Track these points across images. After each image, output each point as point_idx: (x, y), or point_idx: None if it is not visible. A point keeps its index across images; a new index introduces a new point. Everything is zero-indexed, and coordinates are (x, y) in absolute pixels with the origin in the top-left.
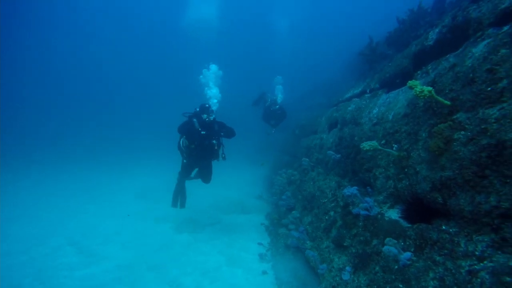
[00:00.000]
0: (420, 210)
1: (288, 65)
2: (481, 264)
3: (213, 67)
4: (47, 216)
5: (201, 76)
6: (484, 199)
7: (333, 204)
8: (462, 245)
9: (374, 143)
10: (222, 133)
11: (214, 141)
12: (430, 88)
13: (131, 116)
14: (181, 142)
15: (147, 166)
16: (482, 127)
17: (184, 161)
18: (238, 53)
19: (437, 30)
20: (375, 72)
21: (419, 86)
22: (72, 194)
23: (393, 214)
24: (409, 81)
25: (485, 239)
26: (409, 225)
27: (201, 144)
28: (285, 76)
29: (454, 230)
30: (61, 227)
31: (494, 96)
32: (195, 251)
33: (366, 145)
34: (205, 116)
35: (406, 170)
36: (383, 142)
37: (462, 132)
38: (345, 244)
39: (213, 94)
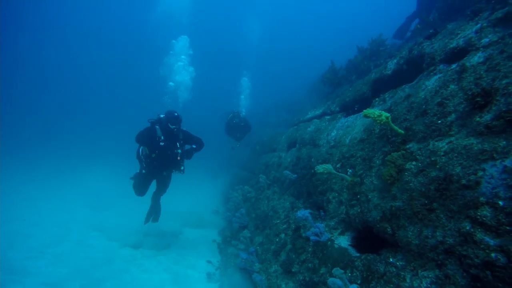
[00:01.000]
0: (369, 239)
1: (256, 74)
2: None
3: (183, 39)
4: None
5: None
6: (430, 233)
7: (284, 226)
8: (408, 280)
9: (328, 166)
10: (194, 145)
11: (179, 150)
12: (387, 114)
13: (97, 117)
14: (140, 150)
15: (103, 170)
16: (432, 159)
17: (143, 171)
18: (207, 53)
19: (395, 61)
20: (337, 95)
21: (376, 111)
22: (5, 196)
23: (343, 241)
24: (364, 110)
25: (430, 275)
26: (358, 255)
27: (162, 154)
28: (253, 82)
29: (401, 263)
30: None
31: (444, 129)
32: (138, 267)
33: (320, 168)
34: (169, 124)
35: (358, 196)
36: (338, 165)
37: (414, 163)
38: (293, 270)
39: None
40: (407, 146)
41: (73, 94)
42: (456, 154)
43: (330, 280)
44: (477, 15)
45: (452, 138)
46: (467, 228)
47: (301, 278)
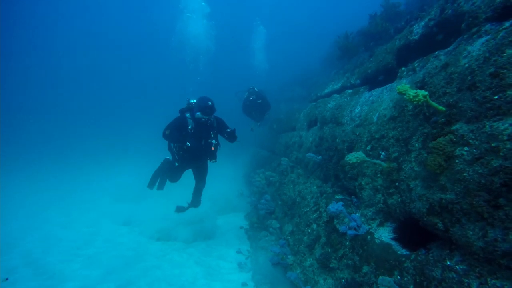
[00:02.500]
0: (414, 231)
1: (266, 51)
2: None
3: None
4: (2, 228)
5: None
6: (501, 235)
7: (315, 215)
8: None
9: (360, 154)
10: (225, 135)
11: (214, 141)
12: (425, 93)
13: (116, 114)
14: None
15: (128, 164)
16: (493, 145)
17: (176, 164)
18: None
19: (422, 23)
20: (355, 66)
21: (411, 90)
22: (35, 200)
23: (384, 234)
24: (398, 86)
25: (506, 285)
26: (405, 253)
27: (196, 145)
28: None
29: (461, 267)
30: (20, 241)
31: (504, 107)
32: (170, 262)
33: (352, 158)
34: (199, 114)
35: (397, 184)
36: (368, 147)
37: (466, 148)
38: (331, 265)
39: None
40: (454, 128)
41: (92, 87)
42: None
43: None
44: None
45: None
46: None
47: (341, 275)
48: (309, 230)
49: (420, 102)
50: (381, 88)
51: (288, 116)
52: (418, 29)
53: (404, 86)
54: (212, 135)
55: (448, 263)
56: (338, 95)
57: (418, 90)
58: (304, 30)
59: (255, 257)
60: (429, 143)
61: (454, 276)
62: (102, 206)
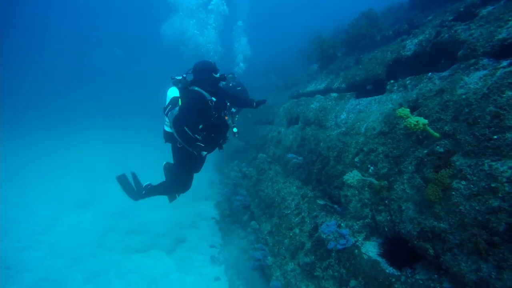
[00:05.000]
0: (401, 250)
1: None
2: None
3: None
4: None
5: None
6: (495, 273)
7: (297, 220)
8: None
9: (357, 175)
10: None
11: (233, 109)
12: (425, 121)
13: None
14: (186, 127)
15: (97, 138)
16: (492, 185)
17: (203, 153)
18: None
19: (416, 41)
20: (340, 68)
21: (412, 118)
22: None
23: (371, 249)
24: (399, 110)
25: None
26: (395, 273)
27: (216, 124)
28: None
29: None
30: None
31: (504, 148)
32: (141, 253)
33: (353, 181)
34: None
35: (386, 202)
36: (356, 159)
37: (463, 182)
38: (315, 273)
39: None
40: (451, 159)
41: (68, 60)
42: None
43: None
44: None
45: None
46: None
47: (325, 285)
48: (291, 234)
49: (419, 130)
50: (370, 98)
51: (266, 109)
52: (411, 45)
53: (405, 111)
54: (228, 104)
55: None
56: (322, 97)
57: (420, 118)
58: (281, 19)
59: (227, 251)
60: (429, 173)
61: None
62: (63, 186)
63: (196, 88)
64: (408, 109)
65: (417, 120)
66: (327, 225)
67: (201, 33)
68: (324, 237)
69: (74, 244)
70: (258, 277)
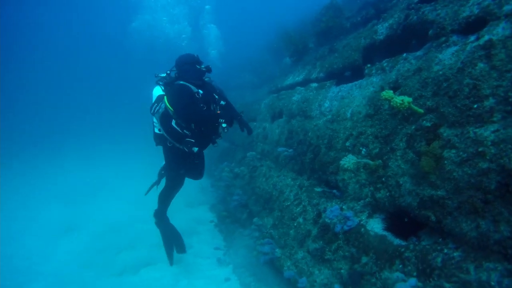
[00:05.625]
0: (403, 222)
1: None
2: None
3: None
4: None
5: None
6: (493, 227)
7: (299, 209)
8: (472, 272)
9: (353, 158)
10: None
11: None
12: (410, 99)
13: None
14: (174, 124)
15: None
16: (479, 149)
17: (194, 149)
18: None
19: (386, 24)
20: (315, 58)
21: (397, 98)
22: None
23: (375, 225)
24: (383, 93)
25: (498, 268)
26: (403, 243)
27: (205, 117)
28: None
29: (458, 254)
30: None
31: (484, 116)
32: (145, 266)
33: (349, 164)
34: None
35: (383, 179)
36: (347, 144)
37: (453, 151)
38: (326, 257)
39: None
40: (438, 131)
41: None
42: (510, 146)
43: (395, 274)
44: None
45: (497, 126)
46: None
47: (338, 266)
48: (295, 224)
49: (404, 108)
50: (350, 84)
51: (246, 107)
52: (382, 29)
53: (389, 93)
54: (217, 97)
55: (446, 251)
56: (302, 88)
57: (404, 97)
58: (251, 14)
59: (233, 251)
60: (420, 146)
61: (453, 262)
62: (47, 210)
63: (181, 82)
64: (391, 91)
65: (402, 99)
66: (331, 210)
67: (172, 27)
68: (329, 221)
69: (74, 270)
70: (268, 271)
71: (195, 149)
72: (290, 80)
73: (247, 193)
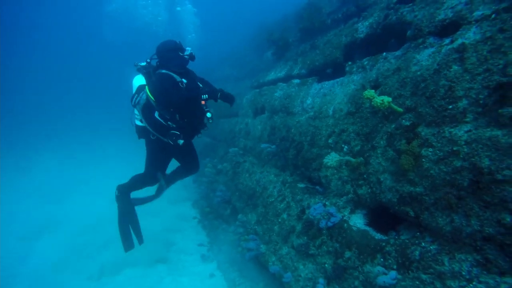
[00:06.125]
0: (383, 216)
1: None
2: (470, 285)
3: None
4: None
5: None
6: (465, 221)
7: (283, 205)
8: (446, 263)
9: (335, 156)
10: (218, 94)
11: (205, 96)
12: (389, 99)
13: None
14: (157, 115)
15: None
16: (454, 148)
17: (180, 141)
18: None
19: (366, 23)
20: (297, 54)
21: (377, 98)
22: None
23: (358, 221)
24: (365, 92)
25: (469, 259)
26: (384, 238)
27: (193, 108)
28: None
29: (434, 247)
30: None
31: (458, 116)
32: (132, 266)
33: (332, 162)
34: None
35: (365, 176)
36: (330, 141)
37: (430, 149)
38: (310, 252)
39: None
40: (417, 130)
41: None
42: (481, 146)
43: (377, 268)
44: None
45: (469, 126)
46: (508, 220)
47: (322, 260)
48: (279, 220)
49: (385, 107)
50: (332, 81)
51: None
52: (362, 28)
53: (371, 92)
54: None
55: (423, 244)
56: (284, 84)
57: (384, 97)
58: (231, 7)
59: (216, 247)
60: (400, 145)
61: (430, 255)
62: (21, 212)
63: (163, 71)
64: (373, 91)
65: (382, 99)
66: (314, 208)
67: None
68: (312, 217)
69: (50, 276)
70: (253, 266)
71: (181, 141)
72: (272, 75)
73: (230, 189)
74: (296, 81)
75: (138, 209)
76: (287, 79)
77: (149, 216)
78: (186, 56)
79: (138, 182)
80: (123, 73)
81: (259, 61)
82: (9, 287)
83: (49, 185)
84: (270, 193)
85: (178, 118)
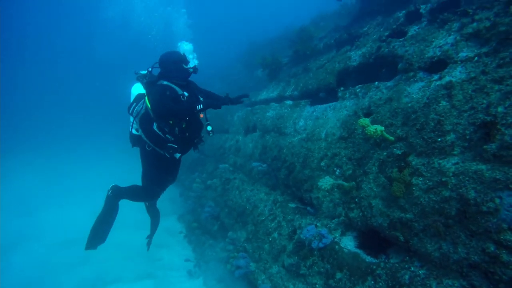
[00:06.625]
0: (373, 239)
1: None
2: None
3: None
4: None
5: None
6: (452, 248)
7: (274, 225)
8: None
9: (330, 180)
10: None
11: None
12: (382, 128)
13: None
14: (155, 127)
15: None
16: (443, 179)
17: (176, 155)
18: None
19: (359, 52)
20: (289, 76)
21: (371, 126)
22: None
23: (349, 243)
24: (360, 120)
25: (455, 284)
26: (374, 261)
27: (193, 121)
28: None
29: (423, 272)
30: None
31: (447, 149)
32: (116, 278)
33: (326, 186)
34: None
35: (356, 200)
36: (322, 164)
37: (421, 179)
38: (301, 272)
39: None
40: (408, 159)
41: None
42: (467, 178)
43: None
44: (446, 24)
45: (456, 159)
46: (492, 249)
47: (313, 281)
48: (270, 239)
49: (378, 136)
50: (325, 105)
51: (219, 117)
52: (355, 56)
53: (365, 120)
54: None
55: (413, 269)
56: (277, 104)
57: (377, 126)
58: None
59: (203, 263)
60: (391, 172)
61: (419, 279)
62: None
63: (165, 82)
64: (368, 119)
65: (376, 128)
66: (307, 230)
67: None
68: (304, 238)
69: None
70: (240, 284)
71: (177, 155)
72: (264, 95)
73: (219, 205)
74: (289, 102)
75: (120, 220)
76: (279, 99)
77: (132, 229)
78: (190, 69)
79: (135, 194)
80: (114, 83)
81: (248, 78)
82: None
83: (25, 195)
84: (261, 212)
85: (177, 131)
